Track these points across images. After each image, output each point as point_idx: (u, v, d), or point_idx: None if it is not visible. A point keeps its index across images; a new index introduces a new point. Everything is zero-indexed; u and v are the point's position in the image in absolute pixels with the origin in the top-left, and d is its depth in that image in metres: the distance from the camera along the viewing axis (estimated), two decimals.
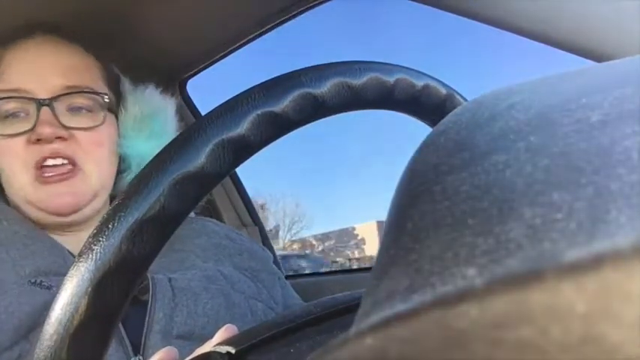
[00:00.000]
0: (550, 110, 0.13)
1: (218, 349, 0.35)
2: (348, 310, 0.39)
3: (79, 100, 0.60)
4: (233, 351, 0.34)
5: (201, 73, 1.03)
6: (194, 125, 0.30)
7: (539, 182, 0.11)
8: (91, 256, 0.27)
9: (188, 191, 0.28)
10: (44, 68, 0.59)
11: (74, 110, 0.60)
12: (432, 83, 0.38)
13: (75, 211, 0.60)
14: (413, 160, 0.16)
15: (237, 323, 0.58)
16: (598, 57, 0.48)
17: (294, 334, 0.36)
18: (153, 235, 0.28)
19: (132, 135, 0.65)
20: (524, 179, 0.11)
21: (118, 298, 0.28)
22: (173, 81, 1.04)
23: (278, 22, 0.86)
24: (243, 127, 0.29)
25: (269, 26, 0.87)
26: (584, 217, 0.09)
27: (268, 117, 0.30)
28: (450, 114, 0.17)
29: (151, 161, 0.29)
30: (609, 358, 0.08)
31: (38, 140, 0.56)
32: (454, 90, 0.39)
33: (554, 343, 0.08)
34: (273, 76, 0.32)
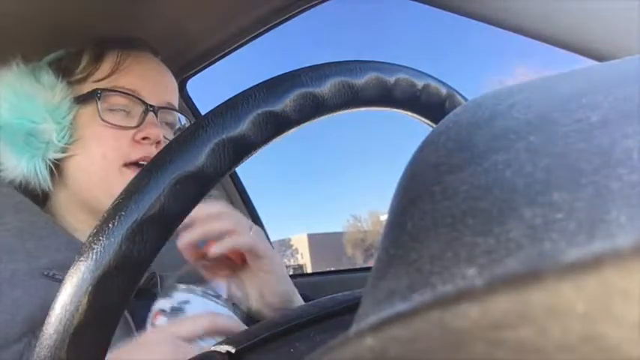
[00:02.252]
0: (550, 110, 0.13)
1: (218, 349, 0.35)
2: (348, 310, 0.39)
3: (170, 117, 0.68)
4: (233, 350, 0.34)
5: (202, 73, 1.03)
6: (194, 125, 0.30)
7: (539, 182, 0.11)
8: (91, 255, 0.27)
9: (188, 191, 0.28)
10: (158, 81, 0.67)
11: (163, 123, 0.66)
12: (433, 83, 0.38)
13: None
14: (413, 160, 0.16)
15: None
16: (598, 57, 0.48)
17: (294, 334, 0.36)
18: (153, 235, 0.28)
19: None
20: (524, 179, 0.11)
21: (118, 297, 0.28)
22: None
23: (278, 21, 0.86)
24: (243, 127, 0.29)
25: (269, 26, 0.87)
26: (584, 217, 0.09)
27: (268, 116, 0.30)
28: (450, 114, 0.17)
29: (151, 161, 0.29)
30: (609, 358, 0.08)
31: (144, 139, 0.61)
32: (454, 90, 0.39)
33: (554, 343, 0.08)
34: (273, 76, 0.32)
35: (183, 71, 1.02)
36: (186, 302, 0.47)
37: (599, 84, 0.14)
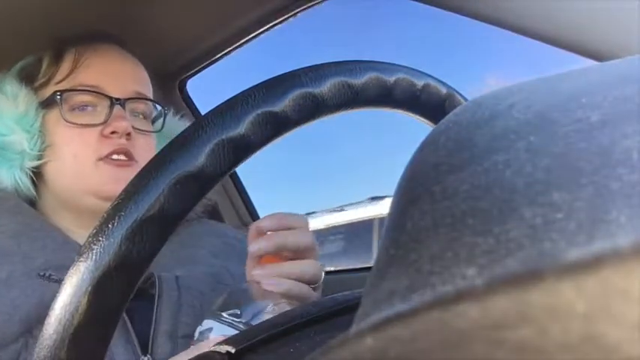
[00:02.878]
0: (550, 110, 0.13)
1: (218, 349, 0.35)
2: (348, 310, 0.39)
3: (141, 106, 0.66)
4: (233, 351, 0.34)
5: (201, 73, 1.03)
6: (194, 125, 0.30)
7: (539, 182, 0.11)
8: (90, 255, 0.27)
9: (188, 191, 0.28)
10: (120, 72, 0.65)
11: (134, 114, 0.65)
12: (432, 83, 0.38)
13: None
14: (413, 160, 0.16)
15: None
16: (598, 57, 0.48)
17: (294, 334, 0.36)
18: (153, 235, 0.28)
19: (158, 147, 0.69)
20: (524, 179, 0.11)
21: (117, 297, 0.28)
22: (173, 81, 1.04)
23: (278, 21, 0.86)
24: (243, 127, 0.29)
25: (269, 26, 0.87)
26: (584, 217, 0.09)
27: (268, 116, 0.30)
28: (450, 114, 0.17)
29: (151, 161, 0.29)
30: (609, 358, 0.08)
31: (112, 133, 0.60)
32: (454, 89, 0.39)
33: (554, 343, 0.08)
34: (272, 76, 0.32)
35: (183, 71, 1.02)
36: (210, 330, 0.47)
37: (599, 84, 0.14)
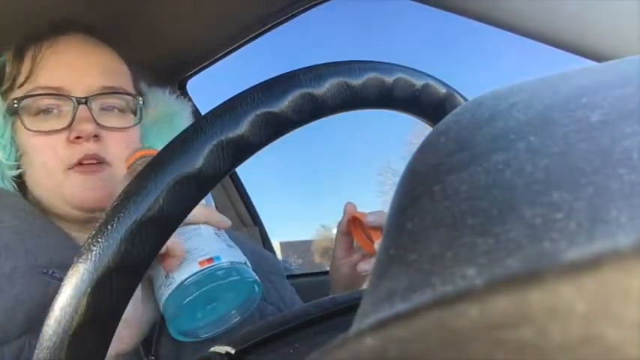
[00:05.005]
0: (550, 110, 0.13)
1: (218, 350, 0.35)
2: (348, 310, 0.39)
3: (113, 101, 0.61)
4: (233, 351, 0.34)
5: (202, 73, 1.03)
6: (193, 125, 0.30)
7: (539, 182, 0.11)
8: (89, 256, 0.27)
9: (187, 192, 0.28)
10: (82, 67, 0.60)
11: (107, 109, 0.60)
12: (432, 82, 0.38)
13: (98, 208, 0.60)
14: (413, 160, 0.16)
15: (245, 324, 0.59)
16: (598, 57, 0.48)
17: (294, 334, 0.36)
18: (152, 236, 0.28)
19: (152, 136, 0.66)
20: (524, 179, 0.11)
21: (117, 298, 0.28)
22: (173, 81, 1.04)
23: (278, 22, 0.86)
24: (242, 128, 0.29)
25: (269, 26, 0.87)
26: (584, 217, 0.09)
27: (268, 117, 0.30)
28: (450, 114, 0.17)
29: (151, 162, 0.29)
30: (609, 358, 0.08)
31: (77, 138, 0.57)
32: (454, 89, 0.39)
33: (554, 343, 0.08)
34: (272, 76, 0.32)
35: (183, 71, 1.02)
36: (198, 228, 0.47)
37: (599, 84, 0.14)
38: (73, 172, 0.58)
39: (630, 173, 0.10)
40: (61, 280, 0.52)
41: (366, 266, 0.59)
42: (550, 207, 0.10)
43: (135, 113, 0.64)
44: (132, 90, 0.64)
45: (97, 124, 0.58)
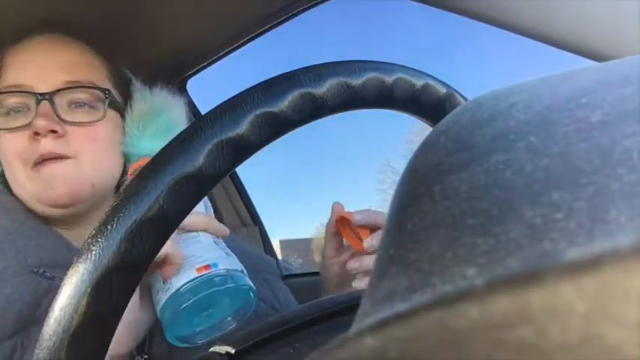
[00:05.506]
0: (550, 110, 0.13)
1: (218, 350, 0.35)
2: (348, 310, 0.39)
3: (80, 96, 0.60)
4: (232, 351, 0.34)
5: (201, 73, 1.03)
6: (193, 125, 0.30)
7: (539, 182, 0.11)
8: (89, 256, 0.27)
9: (187, 191, 0.28)
10: (44, 64, 0.60)
11: (76, 106, 0.60)
12: (432, 82, 0.38)
13: (73, 203, 0.60)
14: (413, 160, 0.16)
15: (240, 324, 0.60)
16: (598, 57, 0.48)
17: (294, 334, 0.36)
18: (152, 236, 0.28)
19: (136, 133, 0.65)
20: (524, 179, 0.11)
21: (117, 298, 0.28)
22: (173, 81, 1.04)
23: (278, 21, 0.86)
24: (242, 128, 0.29)
25: (269, 26, 0.87)
26: (584, 217, 0.09)
27: (267, 117, 0.30)
28: (450, 114, 0.17)
29: (150, 161, 0.29)
30: (609, 358, 0.08)
31: (36, 134, 0.57)
32: (454, 89, 0.39)
33: (554, 343, 0.08)
34: (272, 76, 0.32)
35: (183, 71, 1.02)
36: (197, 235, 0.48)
37: (599, 84, 0.14)
38: (33, 173, 0.58)
39: (630, 173, 0.10)
40: (52, 279, 0.53)
41: (356, 264, 0.59)
42: (550, 207, 0.10)
43: (115, 107, 0.63)
44: (106, 84, 0.63)
45: (61, 119, 0.58)
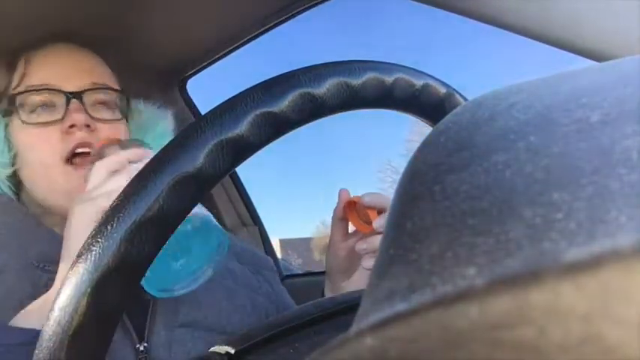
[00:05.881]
0: (550, 110, 0.13)
1: (217, 350, 0.35)
2: (348, 310, 0.39)
3: (103, 97, 0.65)
4: (232, 351, 0.34)
5: (202, 73, 1.03)
6: (193, 125, 0.30)
7: (539, 182, 0.11)
8: (89, 257, 0.27)
9: (187, 191, 0.28)
10: (72, 66, 0.64)
11: (97, 105, 0.64)
12: (432, 82, 0.38)
13: None
14: (413, 160, 0.16)
15: (237, 314, 0.61)
16: (598, 57, 0.48)
17: (294, 334, 0.36)
18: (152, 236, 0.28)
19: (138, 137, 0.69)
20: (524, 179, 0.11)
21: (117, 298, 0.28)
22: (173, 81, 1.04)
23: (278, 21, 0.86)
24: (242, 128, 0.29)
25: (269, 26, 0.87)
26: (584, 217, 0.09)
27: (267, 117, 0.30)
28: (450, 114, 0.17)
29: (150, 161, 0.29)
30: (609, 358, 0.08)
31: (71, 127, 0.60)
32: (454, 89, 0.39)
33: (554, 344, 0.08)
34: (272, 76, 0.32)
35: (183, 71, 1.02)
36: None
37: (599, 84, 0.14)
38: (69, 167, 0.60)
39: (630, 173, 0.10)
40: (53, 273, 0.54)
41: (364, 245, 0.61)
42: (550, 207, 0.10)
43: (122, 110, 0.68)
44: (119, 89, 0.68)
45: (89, 115, 0.62)
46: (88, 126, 0.60)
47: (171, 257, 0.48)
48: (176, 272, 0.49)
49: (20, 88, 0.62)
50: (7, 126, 0.63)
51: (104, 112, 0.64)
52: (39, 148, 0.61)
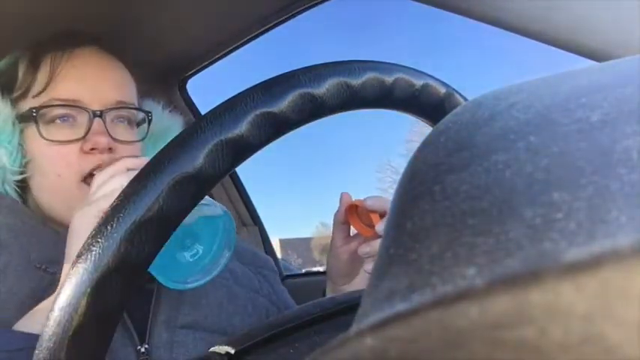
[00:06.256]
0: (550, 110, 0.13)
1: (217, 350, 0.35)
2: (348, 310, 0.39)
3: (124, 113, 0.64)
4: (232, 351, 0.34)
5: (201, 73, 1.03)
6: (193, 126, 0.30)
7: (539, 182, 0.11)
8: (89, 257, 0.27)
9: (187, 192, 0.28)
10: (98, 81, 0.62)
11: (118, 120, 0.63)
12: (431, 82, 0.38)
13: None
14: (413, 160, 0.16)
15: (238, 315, 0.61)
16: (598, 57, 0.48)
17: (294, 334, 0.36)
18: (152, 236, 0.28)
19: (150, 149, 0.69)
20: (524, 179, 0.11)
21: (117, 298, 0.28)
22: (173, 81, 1.04)
23: (278, 22, 0.86)
24: (242, 128, 0.29)
25: (269, 26, 0.87)
26: (584, 217, 0.09)
27: (267, 117, 0.30)
28: (450, 114, 0.17)
29: (150, 162, 0.29)
30: (609, 358, 0.08)
31: (92, 149, 0.59)
32: (454, 89, 0.39)
33: (554, 343, 0.08)
34: (272, 76, 0.32)
35: (183, 71, 1.02)
36: None
37: (599, 84, 0.14)
38: (86, 186, 0.59)
39: (630, 173, 0.10)
40: (54, 274, 0.54)
41: (367, 249, 0.60)
42: (550, 207, 0.10)
43: (139, 125, 0.67)
44: (136, 100, 0.67)
45: (111, 137, 0.60)
46: (110, 149, 0.59)
47: (181, 245, 0.48)
48: (188, 264, 0.49)
49: (44, 98, 0.60)
50: (22, 131, 0.61)
51: (123, 130, 0.63)
52: (56, 164, 0.59)
